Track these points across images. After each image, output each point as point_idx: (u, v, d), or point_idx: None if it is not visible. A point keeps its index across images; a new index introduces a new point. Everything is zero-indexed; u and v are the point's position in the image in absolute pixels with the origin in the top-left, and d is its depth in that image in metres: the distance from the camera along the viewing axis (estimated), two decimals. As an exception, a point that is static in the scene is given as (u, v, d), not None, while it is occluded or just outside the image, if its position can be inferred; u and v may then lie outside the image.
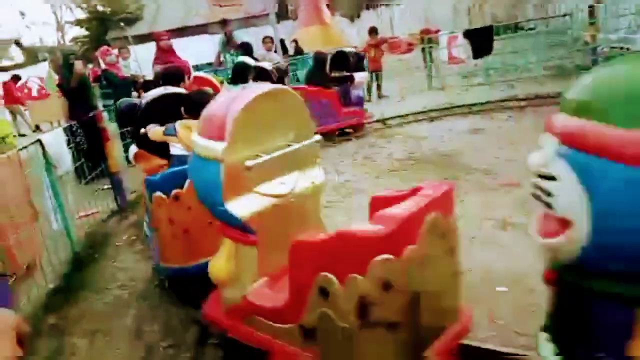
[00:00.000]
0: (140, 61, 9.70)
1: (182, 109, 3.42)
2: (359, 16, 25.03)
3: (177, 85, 4.06)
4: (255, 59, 7.94)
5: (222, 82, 5.90)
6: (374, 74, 11.10)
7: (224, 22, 8.80)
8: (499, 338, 2.66)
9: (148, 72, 8.30)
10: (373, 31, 11.04)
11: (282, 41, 9.73)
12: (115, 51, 8.36)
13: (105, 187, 6.05)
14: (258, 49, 8.67)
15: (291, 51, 12.34)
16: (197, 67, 14.89)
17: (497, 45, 10.64)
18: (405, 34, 17.31)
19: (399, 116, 8.80)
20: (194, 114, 3.06)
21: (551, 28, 12.66)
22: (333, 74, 7.68)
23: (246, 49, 8.12)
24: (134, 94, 7.99)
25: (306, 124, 2.63)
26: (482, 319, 2.82)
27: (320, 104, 7.16)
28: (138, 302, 3.73)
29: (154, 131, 3.45)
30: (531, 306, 2.89)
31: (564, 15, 12.35)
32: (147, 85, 6.05)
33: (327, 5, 19.90)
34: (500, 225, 4.01)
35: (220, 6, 22.19)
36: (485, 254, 3.59)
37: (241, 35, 8.81)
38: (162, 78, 4.40)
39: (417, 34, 12.28)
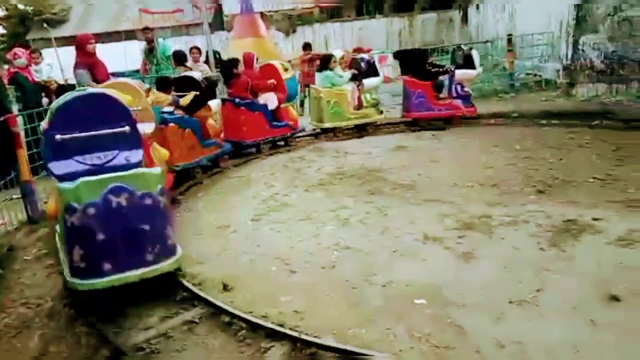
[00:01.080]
0: (63, 65, 9.17)
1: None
2: (294, 31, 25.25)
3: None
4: (190, 69, 7.81)
5: (148, 90, 5.70)
6: (307, 89, 11.19)
7: (146, 30, 8.53)
8: (416, 350, 2.72)
9: (70, 77, 7.84)
10: (307, 46, 11.17)
11: (216, 52, 9.59)
12: (26, 54, 7.79)
13: (15, 196, 5.61)
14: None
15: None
16: (124, 74, 14.33)
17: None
18: (340, 51, 17.65)
19: (329, 131, 8.91)
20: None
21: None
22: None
23: (179, 58, 7.91)
24: (45, 100, 7.52)
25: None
26: (401, 333, 2.88)
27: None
28: (44, 321, 3.47)
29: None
30: (447, 318, 3.00)
31: (486, 42, 13.19)
32: (62, 91, 5.72)
33: (263, 19, 19.94)
34: (421, 239, 4.13)
35: (151, 13, 21.54)
36: (406, 267, 3.68)
37: (169, 44, 8.57)
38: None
39: (350, 52, 12.55)
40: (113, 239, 3.22)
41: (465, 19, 20.06)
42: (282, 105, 8.00)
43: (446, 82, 8.63)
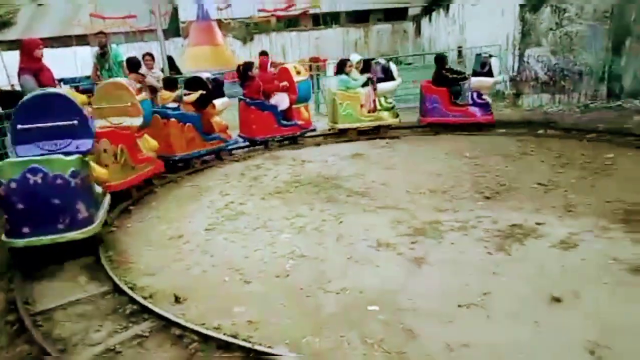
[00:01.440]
0: (9, 69, 8.75)
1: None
2: (251, 39, 25.18)
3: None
4: (143, 75, 7.64)
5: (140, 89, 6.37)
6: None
7: (99, 35, 8.28)
8: (368, 357, 2.75)
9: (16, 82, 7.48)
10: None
11: (170, 58, 9.40)
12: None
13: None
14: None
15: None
16: (75, 80, 13.84)
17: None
18: (296, 61, 17.72)
19: (286, 139, 8.93)
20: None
21: (426, 63, 13.80)
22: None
23: (132, 64, 7.71)
24: None
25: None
26: (355, 339, 2.91)
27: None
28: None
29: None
30: (399, 323, 3.04)
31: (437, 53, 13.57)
32: (8, 97, 5.48)
33: (220, 27, 19.79)
34: (374, 245, 4.19)
35: (103, 18, 20.95)
36: (360, 274, 3.72)
37: (121, 50, 8.35)
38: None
39: (306, 61, 12.65)
40: (30, 208, 4.03)
41: (418, 30, 20.60)
42: (293, 106, 8.56)
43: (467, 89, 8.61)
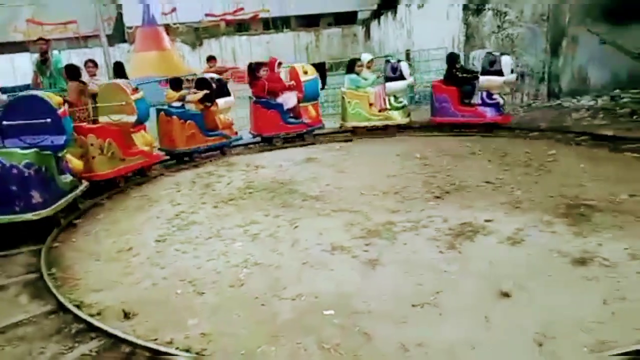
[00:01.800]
0: None
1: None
2: (201, 44, 24.78)
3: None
4: (84, 83, 7.36)
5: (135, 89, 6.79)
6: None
7: (40, 41, 7.92)
8: (324, 361, 2.74)
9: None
10: (211, 59, 10.97)
11: (120, 64, 9.11)
12: None
13: None
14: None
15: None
16: (15, 90, 13.16)
17: (332, 80, 11.42)
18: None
19: (239, 145, 8.83)
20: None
21: (377, 67, 14.01)
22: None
23: (72, 72, 7.40)
24: None
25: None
26: (311, 345, 2.89)
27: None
28: None
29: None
30: (355, 327, 3.05)
31: (386, 56, 13.80)
32: None
33: (167, 31, 19.34)
34: (329, 249, 4.19)
35: (41, 24, 20.04)
36: (315, 278, 3.71)
37: (61, 57, 8.00)
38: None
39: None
40: None
41: (368, 34, 20.91)
42: (300, 105, 8.73)
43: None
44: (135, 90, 6.76)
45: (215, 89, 7.98)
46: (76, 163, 5.79)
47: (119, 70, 8.79)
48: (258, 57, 21.40)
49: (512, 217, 4.53)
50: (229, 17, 24.42)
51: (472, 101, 8.44)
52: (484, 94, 8.26)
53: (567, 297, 3.19)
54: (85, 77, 7.31)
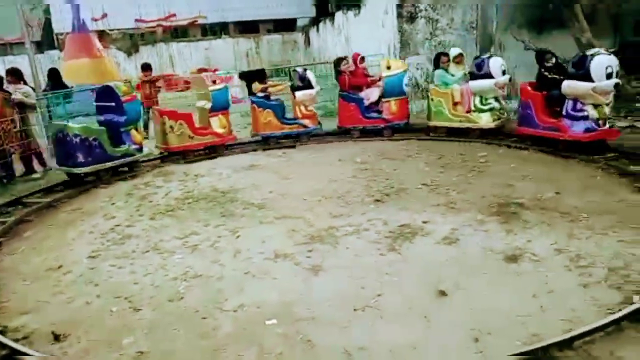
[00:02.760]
0: None
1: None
2: (137, 51, 23.99)
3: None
4: (8, 93, 6.95)
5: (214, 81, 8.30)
6: (150, 111, 10.67)
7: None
8: (268, 372, 2.70)
9: None
10: (146, 67, 10.65)
11: (55, 71, 8.67)
12: None
13: None
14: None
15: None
16: None
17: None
18: (186, 72, 17.17)
19: (178, 154, 8.59)
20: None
21: (317, 73, 14.12)
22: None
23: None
24: None
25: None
26: (253, 357, 2.84)
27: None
28: None
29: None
30: (298, 335, 3.03)
31: (325, 63, 13.96)
32: None
33: (100, 38, 18.57)
34: (272, 257, 4.15)
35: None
36: (258, 288, 3.66)
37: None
38: None
39: (195, 71, 12.30)
40: (61, 149, 7.08)
41: (308, 41, 21.07)
42: (383, 100, 8.74)
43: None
44: (214, 82, 8.33)
45: (297, 82, 8.72)
46: (137, 136, 7.58)
47: (54, 76, 8.41)
48: (197, 64, 21.06)
49: (448, 218, 4.69)
50: (166, 23, 23.82)
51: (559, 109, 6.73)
52: (570, 102, 6.51)
53: (500, 293, 3.33)
54: (10, 86, 6.90)
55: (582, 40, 9.17)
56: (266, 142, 8.90)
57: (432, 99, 8.46)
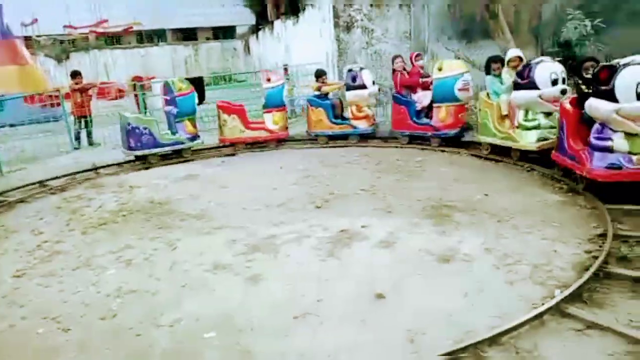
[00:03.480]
0: None
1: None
2: (68, 58, 22.92)
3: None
4: None
5: None
6: (82, 120, 10.24)
7: None
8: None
9: None
10: (76, 74, 10.19)
11: None
12: None
13: None
14: None
15: None
16: None
17: (213, 94, 11.23)
18: (122, 80, 16.60)
19: (112, 164, 8.29)
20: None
21: (257, 81, 14.09)
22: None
23: None
24: None
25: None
26: (190, 371, 2.77)
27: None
28: None
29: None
30: (237, 346, 2.99)
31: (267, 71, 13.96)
32: None
33: (27, 45, 17.59)
34: (210, 268, 4.08)
35: None
36: (196, 301, 3.58)
37: None
38: None
39: (129, 80, 11.93)
40: (129, 136, 8.25)
41: (248, 49, 20.97)
42: (434, 105, 7.95)
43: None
44: (269, 80, 8.85)
45: (348, 82, 8.57)
46: (190, 127, 8.53)
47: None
48: (133, 72, 20.42)
49: (385, 221, 4.79)
50: (99, 30, 22.97)
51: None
52: (596, 127, 5.03)
53: (434, 294, 3.45)
54: None
55: (507, 49, 9.73)
56: (316, 140, 8.93)
57: (479, 109, 7.31)
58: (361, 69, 8.73)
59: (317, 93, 9.00)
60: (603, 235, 4.09)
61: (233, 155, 8.63)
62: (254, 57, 19.97)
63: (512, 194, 5.41)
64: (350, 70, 8.72)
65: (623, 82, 4.70)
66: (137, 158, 8.31)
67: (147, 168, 8.05)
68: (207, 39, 24.22)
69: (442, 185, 5.85)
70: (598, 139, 4.98)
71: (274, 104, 8.86)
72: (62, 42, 23.65)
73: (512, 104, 6.59)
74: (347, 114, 8.87)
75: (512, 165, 6.56)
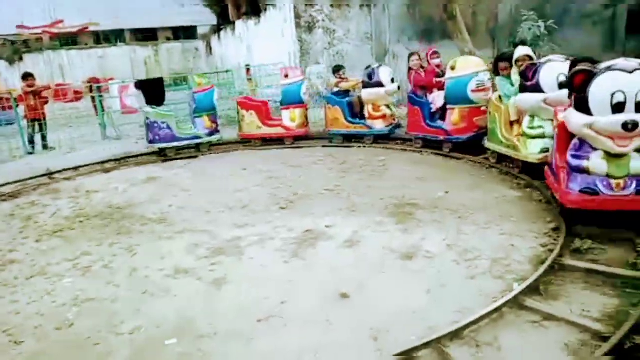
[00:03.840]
0: None
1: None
2: (21, 59, 21.99)
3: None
4: None
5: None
6: (36, 124, 9.85)
7: None
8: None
9: None
10: (28, 76, 9.79)
11: None
12: None
13: None
14: None
15: None
16: None
17: (174, 96, 11.01)
18: (79, 82, 16.06)
19: (69, 169, 8.01)
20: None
21: (220, 81, 13.89)
22: None
23: None
24: None
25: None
26: (151, 379, 2.70)
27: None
28: None
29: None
30: (199, 352, 2.93)
31: (227, 71, 13.79)
32: None
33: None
34: (172, 273, 3.99)
35: None
36: (157, 307, 3.50)
37: None
38: None
39: (86, 82, 11.56)
40: (150, 131, 8.56)
41: (209, 49, 20.69)
42: (448, 107, 7.22)
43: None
44: (287, 77, 8.81)
45: (365, 79, 8.18)
46: (208, 122, 8.65)
47: None
48: (91, 73, 19.81)
49: (349, 221, 4.81)
50: (53, 30, 22.13)
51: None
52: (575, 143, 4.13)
53: (398, 291, 3.48)
54: None
55: (465, 49, 9.97)
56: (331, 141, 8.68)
57: (489, 113, 6.41)
58: (379, 65, 8.32)
59: (335, 90, 8.71)
60: (557, 229, 4.22)
61: (195, 157, 8.48)
62: (216, 58, 19.69)
63: (472, 191, 5.52)
64: (367, 67, 8.30)
65: (598, 90, 3.76)
66: (160, 151, 8.61)
67: (106, 171, 7.81)
68: (168, 39, 23.69)
69: (403, 183, 5.92)
70: (574, 157, 4.03)
71: (291, 100, 8.79)
72: (14, 42, 22.69)
73: (519, 109, 5.80)
74: (365, 113, 8.37)
75: (473, 163, 6.70)
